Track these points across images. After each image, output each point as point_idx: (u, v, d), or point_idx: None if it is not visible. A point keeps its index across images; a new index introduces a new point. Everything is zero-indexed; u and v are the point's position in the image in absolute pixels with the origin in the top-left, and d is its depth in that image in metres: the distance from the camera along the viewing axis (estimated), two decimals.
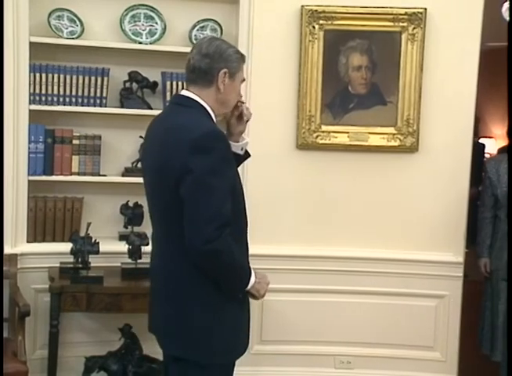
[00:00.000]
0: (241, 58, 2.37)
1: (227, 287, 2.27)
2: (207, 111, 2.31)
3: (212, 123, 2.30)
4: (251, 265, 2.36)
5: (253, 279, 2.32)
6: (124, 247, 3.49)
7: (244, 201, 2.36)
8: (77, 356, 3.51)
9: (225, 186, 2.19)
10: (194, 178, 2.14)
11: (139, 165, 3.72)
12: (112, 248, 3.56)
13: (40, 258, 3.54)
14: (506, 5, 3.83)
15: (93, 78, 3.58)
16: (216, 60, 2.29)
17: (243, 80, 2.41)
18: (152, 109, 3.68)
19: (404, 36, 3.60)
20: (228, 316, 2.30)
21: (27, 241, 3.58)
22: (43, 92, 3.54)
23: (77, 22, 3.60)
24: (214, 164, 2.16)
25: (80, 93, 3.59)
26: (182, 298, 2.27)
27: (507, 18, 4.00)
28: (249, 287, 2.31)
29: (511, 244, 3.07)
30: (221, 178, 2.17)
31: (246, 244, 2.40)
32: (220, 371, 2.34)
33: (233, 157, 2.33)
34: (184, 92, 2.35)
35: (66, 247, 3.42)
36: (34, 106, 3.52)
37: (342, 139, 3.68)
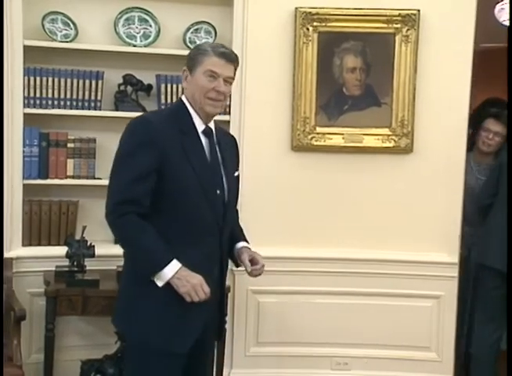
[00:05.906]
0: (202, 52, 2.44)
1: (134, 264, 2.45)
2: (184, 106, 2.47)
3: (166, 115, 2.50)
4: None
5: (169, 272, 2.32)
6: (119, 250, 3.46)
7: (209, 198, 2.41)
8: (73, 360, 3.50)
9: (138, 169, 2.32)
10: (115, 156, 2.39)
11: None
12: (107, 251, 3.53)
13: (35, 261, 3.53)
14: (499, 6, 3.86)
15: (87, 81, 3.58)
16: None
17: (210, 71, 2.41)
18: (146, 112, 3.68)
19: (398, 38, 3.61)
20: (173, 303, 2.35)
21: (23, 245, 3.57)
22: (37, 95, 3.53)
23: (71, 25, 3.60)
24: (131, 146, 2.35)
25: (74, 96, 3.58)
26: (127, 280, 2.53)
27: (500, 19, 4.03)
28: (162, 277, 2.32)
29: (511, 243, 3.07)
30: (136, 160, 2.32)
31: (213, 245, 2.44)
32: (159, 358, 2.39)
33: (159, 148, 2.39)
34: None
35: (62, 250, 3.42)
36: (28, 110, 3.52)
37: (337, 141, 3.68)
